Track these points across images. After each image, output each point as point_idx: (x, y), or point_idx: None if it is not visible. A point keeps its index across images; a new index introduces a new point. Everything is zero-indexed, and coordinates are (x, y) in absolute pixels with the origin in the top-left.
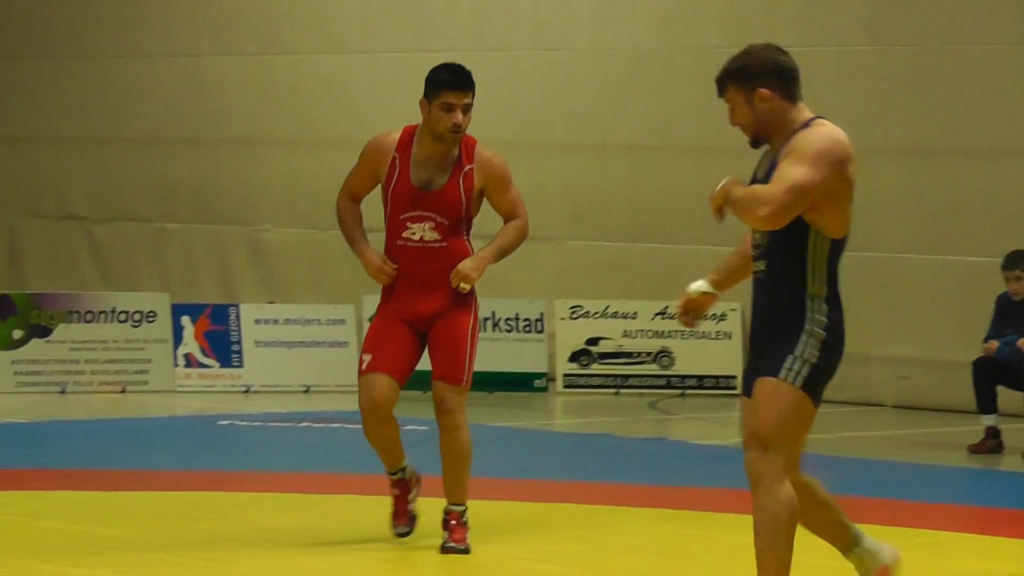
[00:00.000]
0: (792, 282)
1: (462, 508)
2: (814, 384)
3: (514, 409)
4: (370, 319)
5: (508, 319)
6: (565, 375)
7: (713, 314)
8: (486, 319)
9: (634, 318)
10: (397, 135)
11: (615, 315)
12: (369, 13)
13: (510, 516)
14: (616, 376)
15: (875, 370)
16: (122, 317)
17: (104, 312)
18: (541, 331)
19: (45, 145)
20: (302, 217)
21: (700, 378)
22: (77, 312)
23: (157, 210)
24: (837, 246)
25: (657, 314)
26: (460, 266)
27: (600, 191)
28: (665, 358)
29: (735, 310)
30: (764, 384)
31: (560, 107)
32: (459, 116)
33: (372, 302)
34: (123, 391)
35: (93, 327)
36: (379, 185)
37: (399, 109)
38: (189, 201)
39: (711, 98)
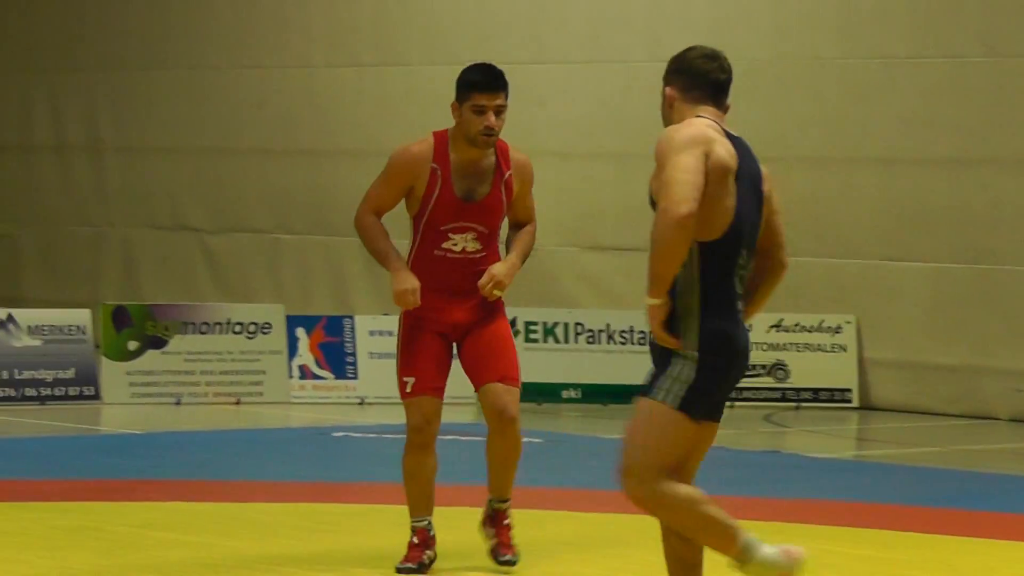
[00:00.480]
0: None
1: (509, 503)
2: (690, 402)
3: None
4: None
5: (623, 331)
6: None
7: (828, 327)
8: (601, 331)
9: (749, 331)
10: (429, 144)
11: None
12: (485, 24)
13: (625, 528)
14: None
15: (989, 383)
16: (237, 328)
17: (219, 323)
18: None
19: (160, 156)
20: None
21: (814, 391)
22: (192, 323)
23: (272, 221)
24: (710, 250)
25: (772, 327)
26: (494, 272)
27: None
28: (780, 371)
29: (850, 323)
30: (640, 404)
31: None
32: (491, 119)
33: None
34: (238, 403)
35: (208, 338)
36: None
37: (515, 119)
38: (304, 212)
39: (825, 108)
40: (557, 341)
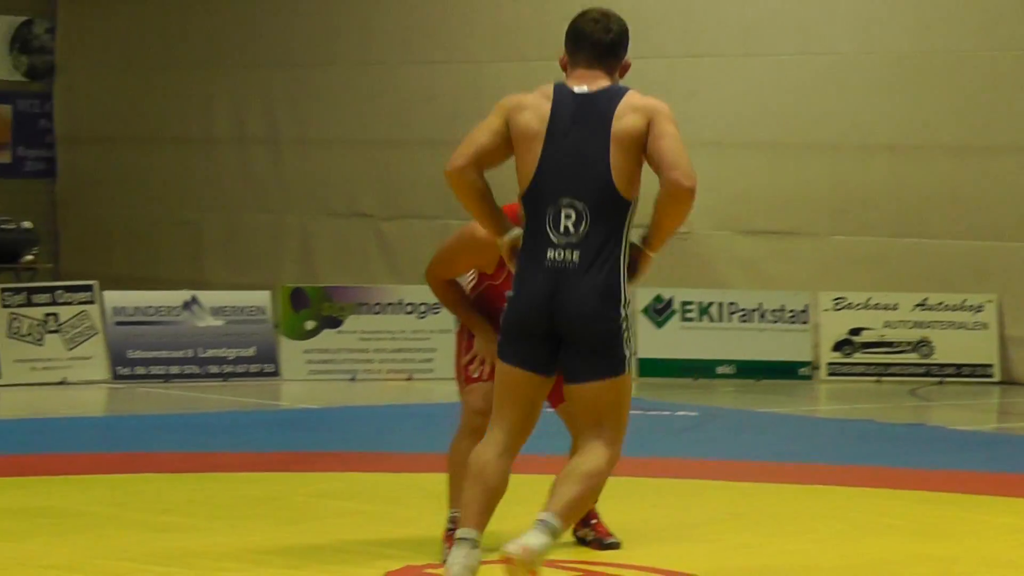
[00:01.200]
0: None
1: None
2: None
3: (780, 396)
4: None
5: (774, 310)
6: (829, 363)
7: (970, 305)
8: (753, 311)
9: (895, 309)
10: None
11: (877, 306)
12: (638, 18)
13: (775, 498)
14: (877, 364)
15: None
16: (408, 309)
17: (392, 304)
18: (806, 322)
19: (335, 147)
20: None
21: (958, 367)
22: (366, 304)
23: (440, 208)
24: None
25: (917, 305)
26: None
27: (862, 189)
28: (925, 347)
29: (991, 302)
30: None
31: (824, 109)
32: None
33: (646, 295)
34: (410, 379)
35: (381, 318)
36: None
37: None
38: None
39: (966, 99)
40: (712, 320)
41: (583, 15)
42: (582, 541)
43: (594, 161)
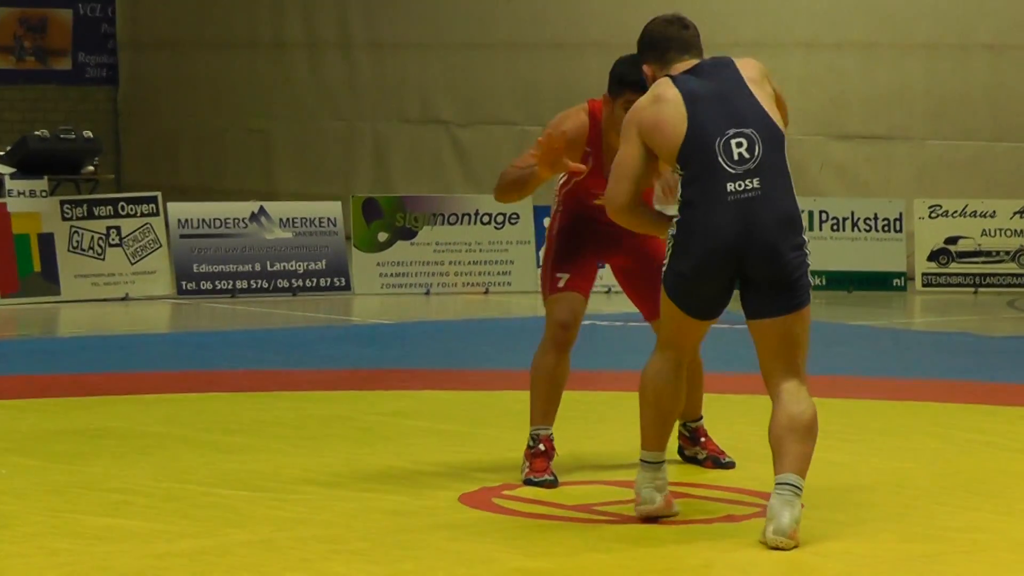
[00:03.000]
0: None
1: (702, 420)
2: (666, 282)
3: (873, 308)
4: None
5: (867, 219)
6: (923, 274)
7: None
8: (845, 219)
9: (993, 217)
10: (584, 125)
11: (974, 214)
12: None
13: (869, 415)
14: (974, 275)
15: None
16: (485, 219)
17: (467, 214)
18: (900, 230)
19: (410, 51)
20: None
21: None
22: (441, 215)
23: (520, 113)
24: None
25: (1016, 213)
26: None
27: (960, 90)
28: None
29: None
30: None
31: (921, 6)
32: None
33: None
34: (486, 292)
35: (457, 229)
36: None
37: (761, 9)
38: (551, 104)
39: None
40: None
41: (655, 23)
42: (691, 460)
43: (745, 100)
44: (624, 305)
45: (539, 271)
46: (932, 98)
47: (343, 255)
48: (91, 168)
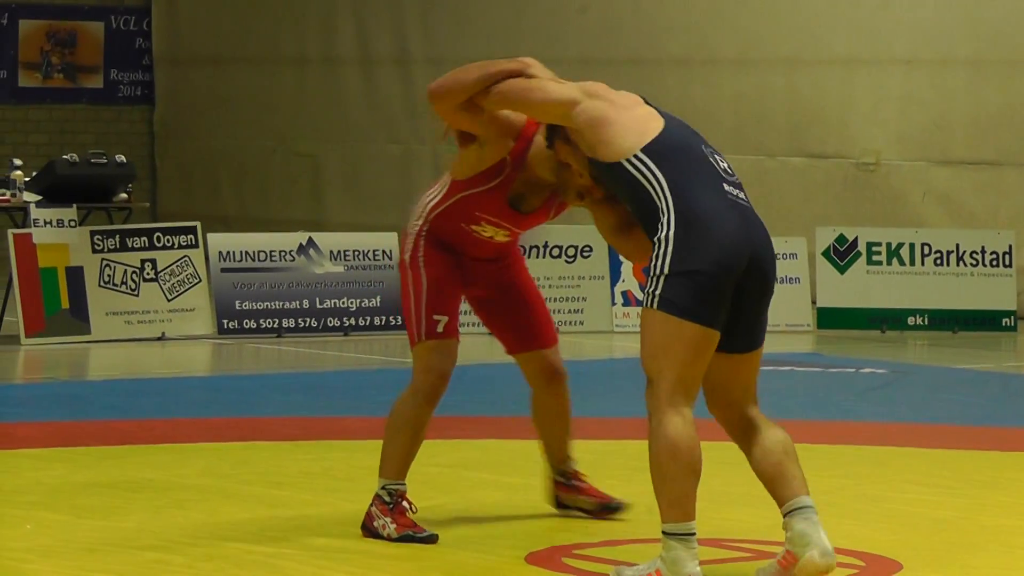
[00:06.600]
0: None
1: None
2: (670, 302)
3: (980, 350)
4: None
5: (974, 252)
6: None
7: None
8: (950, 252)
9: None
10: (525, 125)
11: None
12: None
13: (975, 467)
14: None
15: None
16: (555, 252)
17: (535, 247)
18: (1010, 264)
19: None
20: (750, 142)
21: None
22: None
23: None
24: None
25: None
26: None
27: None
28: None
29: None
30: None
31: None
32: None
33: (826, 235)
34: (557, 331)
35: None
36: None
37: (858, 23)
38: None
39: None
40: (902, 263)
41: None
42: (574, 508)
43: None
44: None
45: (626, 308)
46: None
47: (399, 291)
48: (124, 195)
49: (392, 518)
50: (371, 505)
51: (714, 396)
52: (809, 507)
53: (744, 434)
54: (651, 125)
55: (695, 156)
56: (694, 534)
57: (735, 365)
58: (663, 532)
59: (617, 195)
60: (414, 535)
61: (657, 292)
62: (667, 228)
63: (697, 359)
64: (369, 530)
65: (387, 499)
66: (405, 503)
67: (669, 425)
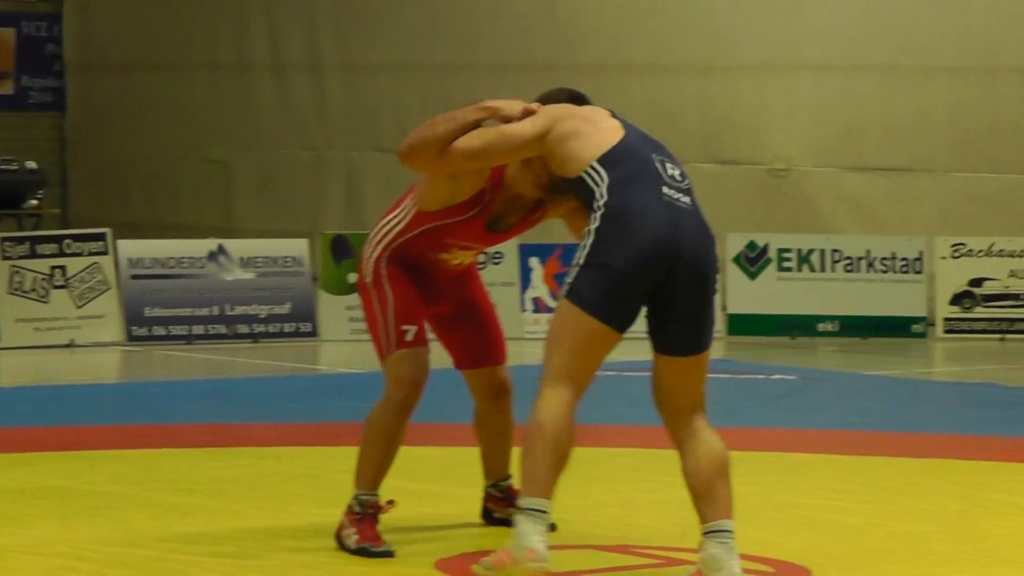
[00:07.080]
0: None
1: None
2: (576, 292)
3: (891, 356)
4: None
5: (884, 259)
6: (946, 319)
7: None
8: (860, 259)
9: (1022, 257)
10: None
11: (1001, 253)
12: None
13: (886, 472)
14: (1002, 320)
15: None
16: None
17: None
18: (920, 271)
19: (386, 74)
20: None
21: None
22: None
23: None
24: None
25: None
26: None
27: (988, 118)
28: None
29: None
30: None
31: (946, 26)
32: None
33: (737, 241)
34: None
35: None
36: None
37: (770, 29)
38: None
39: None
40: (812, 269)
41: (564, 92)
42: (502, 522)
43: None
44: (620, 352)
45: (535, 315)
46: (957, 126)
47: (309, 298)
48: (34, 202)
49: (357, 529)
50: (344, 514)
51: (660, 400)
52: (727, 532)
53: (683, 443)
54: (610, 138)
55: (640, 159)
56: (545, 512)
57: (680, 369)
58: (516, 505)
59: (581, 206)
60: (370, 548)
61: (569, 280)
62: (595, 222)
63: (588, 351)
64: (338, 539)
65: (357, 509)
66: (377, 513)
67: (543, 403)
